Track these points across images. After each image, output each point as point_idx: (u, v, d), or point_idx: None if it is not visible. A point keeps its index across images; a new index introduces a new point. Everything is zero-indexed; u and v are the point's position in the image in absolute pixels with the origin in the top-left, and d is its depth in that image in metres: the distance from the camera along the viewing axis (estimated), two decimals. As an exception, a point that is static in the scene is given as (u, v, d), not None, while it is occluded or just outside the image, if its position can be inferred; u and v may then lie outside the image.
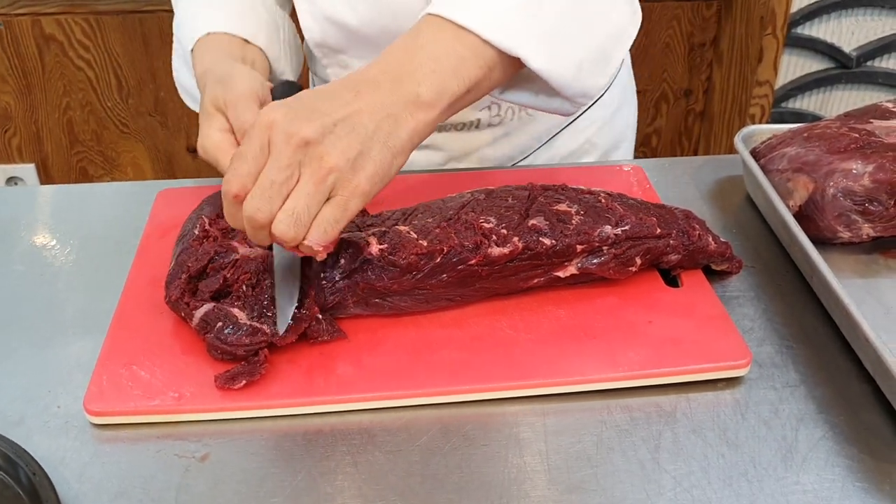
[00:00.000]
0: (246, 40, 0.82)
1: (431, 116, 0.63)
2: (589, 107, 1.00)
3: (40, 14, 1.80)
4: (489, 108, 0.94)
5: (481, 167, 0.97)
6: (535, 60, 0.66)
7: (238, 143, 0.69)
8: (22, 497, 0.55)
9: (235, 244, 0.71)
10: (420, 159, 0.98)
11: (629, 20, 0.74)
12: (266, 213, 0.59)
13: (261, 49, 0.83)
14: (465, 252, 0.68)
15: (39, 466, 0.55)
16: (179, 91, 0.92)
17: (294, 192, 0.60)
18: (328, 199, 0.61)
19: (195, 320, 0.67)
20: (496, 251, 0.69)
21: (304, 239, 0.61)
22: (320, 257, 0.63)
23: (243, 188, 0.60)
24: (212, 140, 0.70)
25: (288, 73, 0.88)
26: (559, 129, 1.00)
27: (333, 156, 0.59)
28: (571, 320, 0.70)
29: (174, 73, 0.92)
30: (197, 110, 0.82)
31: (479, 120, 0.95)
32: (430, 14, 0.66)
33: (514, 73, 0.69)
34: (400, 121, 0.62)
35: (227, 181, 0.61)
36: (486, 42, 0.64)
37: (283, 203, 0.60)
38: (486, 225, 0.70)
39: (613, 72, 0.73)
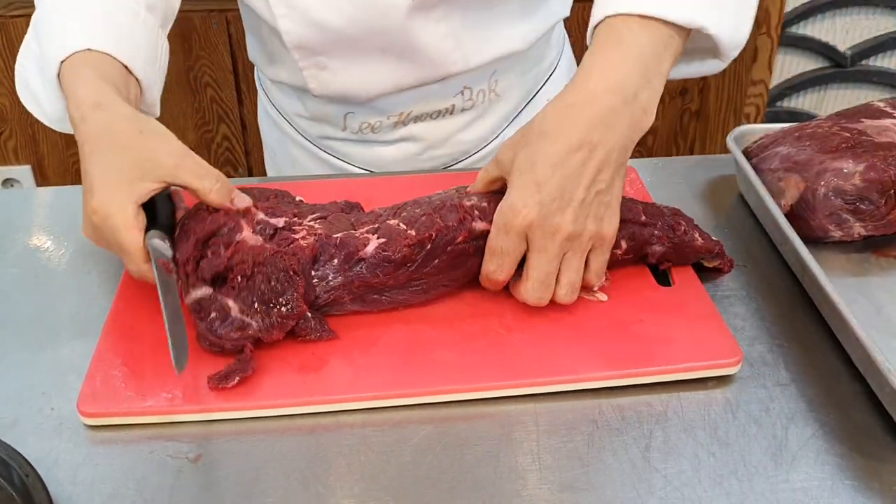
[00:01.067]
0: (127, 68, 0.74)
1: (653, 118, 0.67)
2: (542, 85, 1.03)
3: (35, 16, 1.80)
4: (462, 93, 0.95)
5: (458, 155, 0.98)
6: (715, 27, 0.68)
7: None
8: (15, 499, 0.55)
9: (243, 223, 0.70)
10: (396, 153, 0.99)
11: None
12: (547, 298, 0.69)
13: (138, 80, 0.75)
14: (451, 232, 0.69)
15: (32, 468, 0.56)
16: (22, 94, 0.79)
17: (564, 272, 0.68)
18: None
19: (190, 298, 0.67)
20: (479, 225, 0.70)
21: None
22: (601, 289, 0.73)
23: (509, 276, 0.69)
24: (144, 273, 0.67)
25: (156, 102, 0.80)
26: (522, 107, 1.02)
27: (589, 227, 0.67)
28: (563, 319, 0.70)
29: (20, 73, 0.79)
30: (45, 122, 0.77)
31: (453, 106, 0.96)
32: (611, 16, 0.67)
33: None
34: (629, 146, 0.66)
35: (492, 273, 0.69)
36: (672, 25, 0.66)
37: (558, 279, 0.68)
38: (467, 203, 0.70)
39: (753, 16, 0.74)
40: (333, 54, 0.89)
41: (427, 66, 0.89)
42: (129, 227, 0.65)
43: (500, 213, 0.67)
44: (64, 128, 0.78)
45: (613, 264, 0.74)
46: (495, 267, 0.69)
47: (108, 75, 0.71)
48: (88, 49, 0.71)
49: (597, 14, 0.68)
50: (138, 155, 0.66)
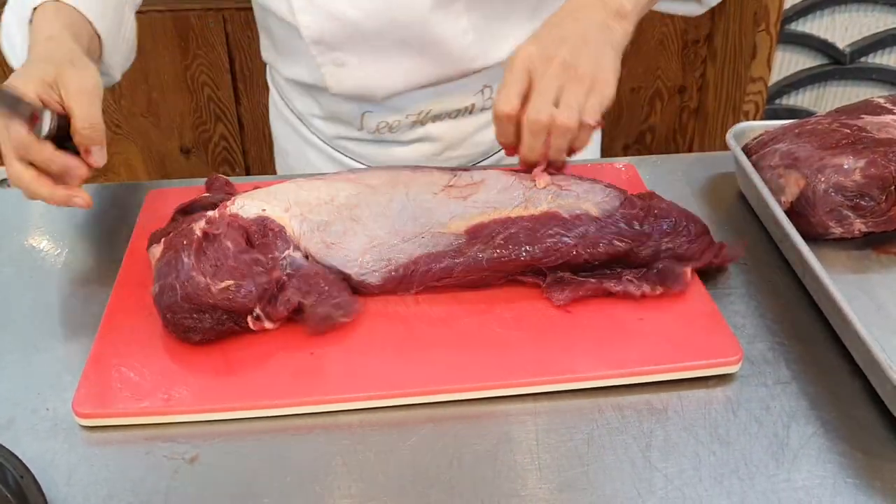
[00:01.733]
0: (90, 22, 0.79)
1: (631, 24, 0.78)
2: None
3: (32, 15, 1.80)
4: (482, 91, 0.96)
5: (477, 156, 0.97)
6: None
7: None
8: (10, 500, 0.55)
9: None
10: (413, 154, 0.98)
11: None
12: (547, 113, 0.73)
13: (99, 38, 0.80)
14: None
15: (27, 469, 0.55)
16: (4, 46, 0.84)
17: (564, 95, 0.74)
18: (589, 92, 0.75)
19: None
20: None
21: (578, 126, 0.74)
22: (598, 126, 0.76)
23: (514, 108, 0.74)
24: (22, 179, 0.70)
25: (115, 71, 0.85)
26: None
27: (584, 65, 0.74)
28: (562, 318, 0.70)
29: (5, 27, 0.83)
30: (17, 67, 0.80)
31: (472, 105, 0.96)
32: None
33: None
34: (612, 29, 0.77)
35: (499, 103, 0.75)
36: None
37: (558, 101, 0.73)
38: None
39: None
40: (352, 49, 0.89)
41: (447, 62, 0.90)
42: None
43: (508, 60, 0.75)
44: None
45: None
46: (502, 98, 0.74)
47: (71, 24, 0.77)
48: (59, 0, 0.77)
49: None
50: (55, 68, 0.71)
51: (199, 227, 0.71)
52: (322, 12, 0.86)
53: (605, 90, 0.75)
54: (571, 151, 0.77)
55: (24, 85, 0.70)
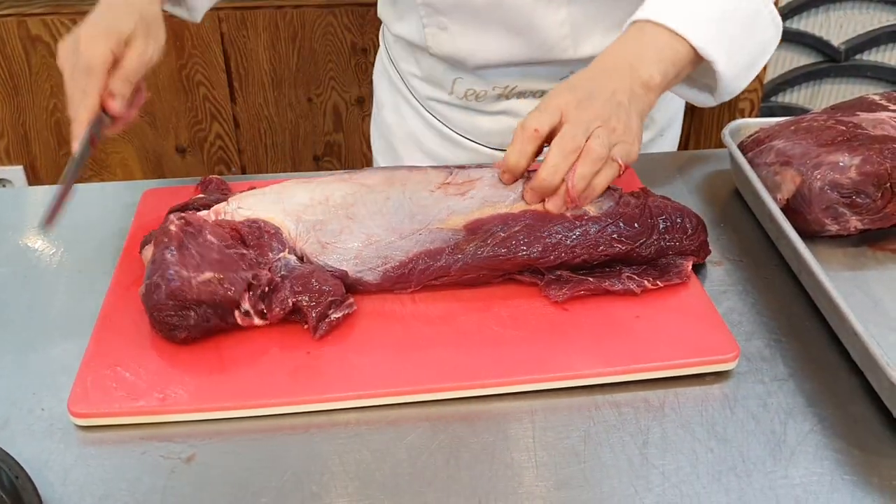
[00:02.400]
0: None
1: (656, 96, 0.79)
2: None
3: (26, 15, 1.79)
4: (567, 77, 0.98)
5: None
6: (721, 64, 0.80)
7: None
8: (5, 500, 0.54)
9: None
10: (495, 125, 1.03)
11: (774, 36, 0.87)
12: (579, 141, 0.73)
13: None
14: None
15: (22, 469, 0.55)
16: None
17: (595, 133, 0.73)
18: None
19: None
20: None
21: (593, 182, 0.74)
22: (621, 171, 0.76)
23: (543, 127, 0.74)
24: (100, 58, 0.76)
25: (196, 8, 0.92)
26: None
27: (614, 120, 0.74)
28: (558, 316, 0.70)
29: None
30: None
31: None
32: (646, 20, 0.80)
33: (695, 68, 0.82)
34: (639, 98, 0.77)
35: (529, 119, 0.75)
36: (692, 46, 0.79)
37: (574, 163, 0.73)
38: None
39: (754, 76, 0.86)
40: (456, 17, 0.94)
41: (539, 47, 0.94)
42: (102, 69, 0.76)
43: (540, 102, 0.76)
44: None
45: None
46: (533, 118, 0.75)
47: None
48: None
49: (636, 15, 0.81)
50: (133, 27, 0.78)
51: (180, 223, 0.70)
52: None
53: (632, 147, 0.76)
54: (587, 196, 0.75)
55: (102, 37, 0.76)
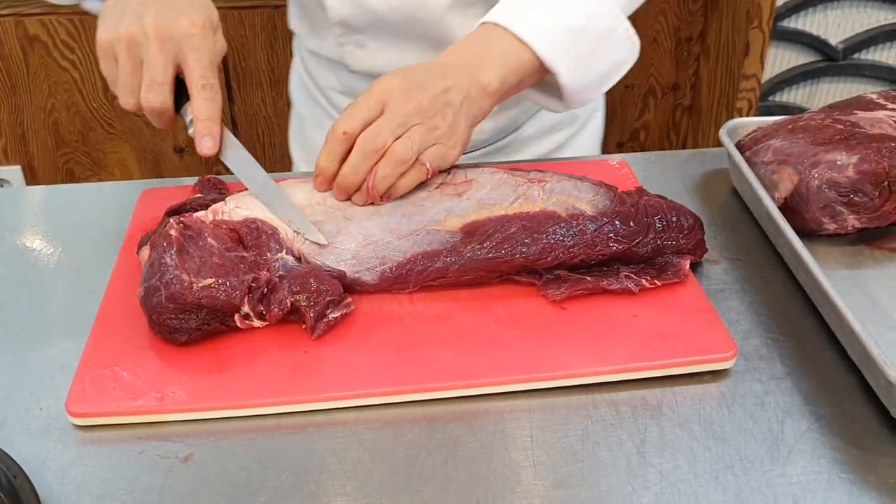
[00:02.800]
0: None
1: (491, 102, 0.77)
2: None
3: (24, 15, 1.79)
4: None
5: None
6: (566, 77, 0.79)
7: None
8: (3, 500, 0.54)
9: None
10: None
11: (629, 56, 0.86)
12: (385, 137, 0.72)
13: None
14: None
15: (20, 469, 0.55)
16: None
17: (410, 132, 0.72)
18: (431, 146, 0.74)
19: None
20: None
21: (409, 167, 0.73)
22: (430, 174, 0.75)
23: (353, 129, 0.72)
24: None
25: None
26: None
27: (439, 119, 0.73)
28: (556, 315, 0.70)
29: None
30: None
31: None
32: (494, 22, 0.78)
33: (541, 77, 0.81)
34: (473, 101, 0.76)
35: (339, 121, 0.73)
36: (537, 56, 0.77)
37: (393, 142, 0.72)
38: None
39: (604, 91, 0.86)
40: (373, 34, 0.93)
41: None
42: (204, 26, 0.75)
43: (368, 87, 0.74)
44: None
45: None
46: (344, 117, 0.72)
47: None
48: None
49: (486, 16, 0.79)
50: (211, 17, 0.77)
51: (179, 227, 0.70)
52: (349, 0, 0.90)
53: (450, 151, 0.74)
54: (390, 195, 0.75)
55: (202, 27, 0.74)
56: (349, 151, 0.73)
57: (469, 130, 0.76)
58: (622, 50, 0.84)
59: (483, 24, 0.79)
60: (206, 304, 0.65)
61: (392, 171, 0.72)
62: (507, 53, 0.77)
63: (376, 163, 0.72)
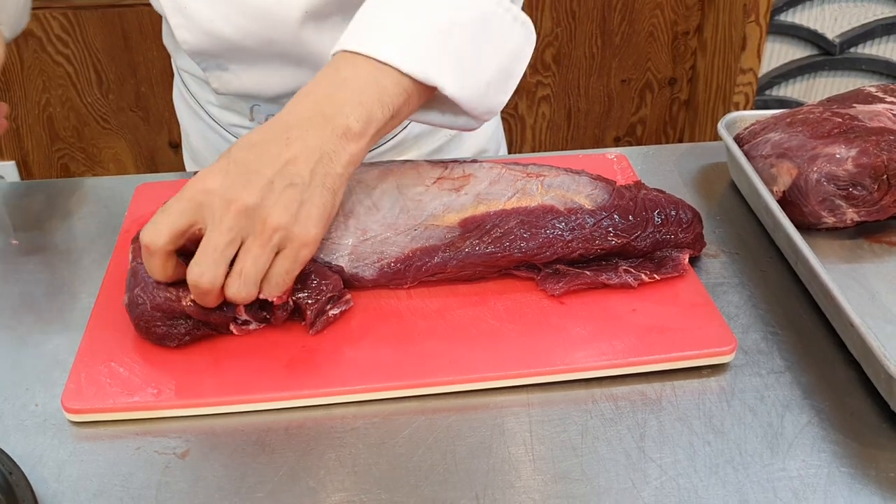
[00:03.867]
0: None
1: (361, 145, 0.65)
2: None
3: (18, 9, 1.78)
4: None
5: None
6: (450, 87, 0.68)
7: None
8: (-2, 497, 0.54)
9: None
10: None
11: (525, 40, 0.75)
12: (210, 277, 0.61)
13: None
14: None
15: (16, 465, 0.54)
16: None
17: (240, 256, 0.61)
18: (277, 253, 0.62)
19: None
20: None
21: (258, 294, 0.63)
22: (278, 302, 0.65)
23: (163, 245, 0.61)
24: None
25: (5, 27, 0.83)
26: None
27: (276, 215, 0.61)
28: (555, 309, 0.70)
29: None
30: None
31: None
32: (345, 50, 0.67)
33: (429, 96, 0.71)
34: (334, 157, 0.64)
35: (145, 234, 0.61)
36: (405, 74, 0.67)
37: (228, 267, 0.61)
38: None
39: (514, 87, 0.76)
40: (232, 58, 0.88)
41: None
42: None
43: (186, 186, 0.63)
44: None
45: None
46: (151, 230, 0.62)
47: None
48: None
49: (336, 45, 0.69)
50: None
51: None
52: (199, 30, 0.85)
53: (301, 251, 0.62)
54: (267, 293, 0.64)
55: None
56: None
57: (331, 201, 0.64)
58: (511, 36, 0.74)
59: (333, 55, 0.68)
60: (196, 316, 0.65)
61: (247, 290, 0.62)
62: (366, 84, 0.65)
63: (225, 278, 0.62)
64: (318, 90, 0.66)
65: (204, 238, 0.61)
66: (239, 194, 0.60)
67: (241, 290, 0.62)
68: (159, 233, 0.61)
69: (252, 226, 0.61)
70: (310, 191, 0.62)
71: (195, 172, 0.82)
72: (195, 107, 1.05)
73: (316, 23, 0.84)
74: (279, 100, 0.93)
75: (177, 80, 1.09)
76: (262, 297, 0.63)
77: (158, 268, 0.63)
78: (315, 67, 0.86)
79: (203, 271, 0.61)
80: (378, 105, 0.65)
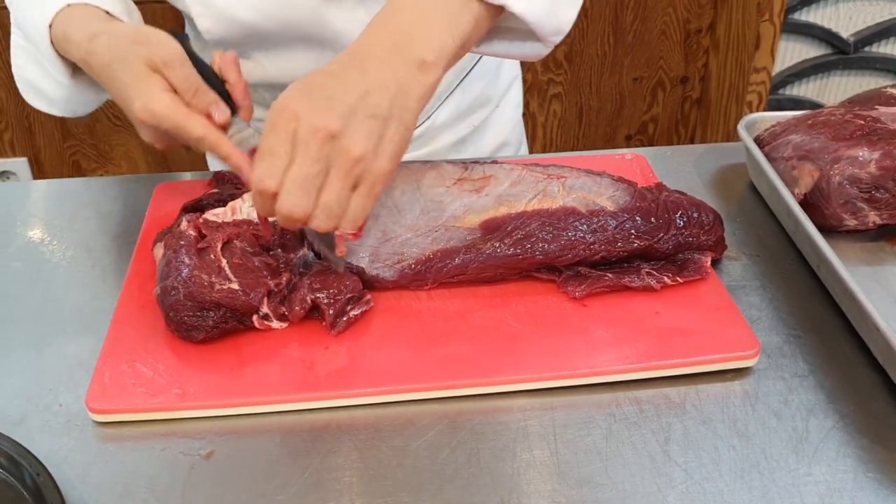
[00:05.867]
0: (108, 13, 0.75)
1: (436, 77, 0.65)
2: (475, 64, 1.00)
3: (31, 6, 1.79)
4: None
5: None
6: (517, 5, 0.67)
7: (185, 104, 0.69)
8: (26, 498, 0.54)
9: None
10: None
11: None
12: (303, 208, 0.62)
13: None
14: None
15: (44, 467, 0.54)
16: (26, 94, 0.81)
17: (326, 188, 0.62)
18: (355, 187, 0.63)
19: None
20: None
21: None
22: (354, 238, 0.67)
23: (280, 184, 0.62)
24: (163, 102, 0.68)
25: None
26: (454, 87, 1.00)
27: (359, 146, 0.61)
28: (577, 312, 0.69)
29: (15, 70, 0.81)
30: (45, 109, 0.80)
31: None
32: None
33: (495, 18, 0.70)
34: (410, 91, 0.63)
35: (261, 179, 0.62)
36: None
37: (317, 196, 0.62)
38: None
39: (580, 4, 0.74)
40: (254, 46, 0.88)
41: None
42: (176, 110, 0.68)
43: (271, 110, 0.63)
44: (73, 111, 0.81)
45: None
46: (264, 172, 0.62)
47: (90, 16, 0.73)
48: (68, 5, 0.73)
49: None
50: (143, 58, 0.69)
51: (197, 225, 0.70)
52: (220, 16, 0.85)
53: (376, 186, 0.63)
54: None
55: (162, 102, 0.67)
56: None
57: (405, 136, 0.64)
58: None
59: None
60: (224, 304, 0.65)
61: (327, 226, 0.64)
62: (435, 12, 0.64)
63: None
64: (389, 23, 0.66)
65: (294, 166, 0.61)
66: (324, 120, 0.61)
67: (327, 223, 0.63)
68: (272, 175, 0.61)
69: (336, 155, 0.61)
70: (388, 123, 0.62)
71: (215, 173, 0.82)
72: None
73: (337, 2, 0.84)
74: None
75: None
76: (339, 231, 0.64)
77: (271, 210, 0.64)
78: (337, 49, 0.86)
79: (297, 202, 0.61)
80: (448, 33, 0.65)
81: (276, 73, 0.90)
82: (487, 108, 1.05)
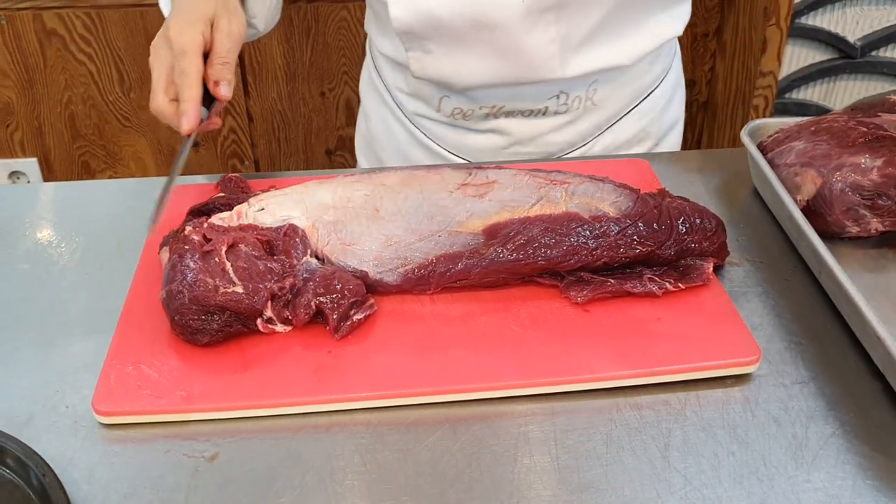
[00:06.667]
0: None
1: None
2: (646, 97, 1.03)
3: (41, 8, 1.79)
4: (557, 96, 0.97)
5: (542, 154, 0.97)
6: None
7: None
8: (32, 498, 0.55)
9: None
10: (483, 142, 1.01)
11: None
12: None
13: None
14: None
15: (49, 468, 0.55)
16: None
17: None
18: None
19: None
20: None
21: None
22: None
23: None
24: (195, 40, 0.78)
25: (259, 21, 0.93)
26: (618, 118, 1.02)
27: None
28: (579, 317, 0.70)
29: None
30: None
31: (546, 108, 0.98)
32: None
33: None
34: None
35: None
36: None
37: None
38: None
39: None
40: (438, 41, 0.91)
41: (525, 67, 0.91)
42: (195, 54, 0.78)
43: None
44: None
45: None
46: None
47: None
48: None
49: None
50: (214, 9, 0.81)
51: (203, 229, 0.71)
52: (412, 6, 0.89)
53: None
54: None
55: (189, 24, 0.78)
56: None
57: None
58: None
59: None
60: (229, 307, 0.66)
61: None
62: None
63: None
64: None
65: None
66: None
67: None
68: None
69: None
70: None
71: (222, 177, 0.83)
72: (383, 92, 1.07)
73: (531, 15, 0.87)
74: (469, 91, 0.96)
75: (368, 65, 1.12)
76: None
77: None
78: (517, 63, 0.91)
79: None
80: None
81: (451, 71, 0.94)
82: (646, 143, 1.06)
